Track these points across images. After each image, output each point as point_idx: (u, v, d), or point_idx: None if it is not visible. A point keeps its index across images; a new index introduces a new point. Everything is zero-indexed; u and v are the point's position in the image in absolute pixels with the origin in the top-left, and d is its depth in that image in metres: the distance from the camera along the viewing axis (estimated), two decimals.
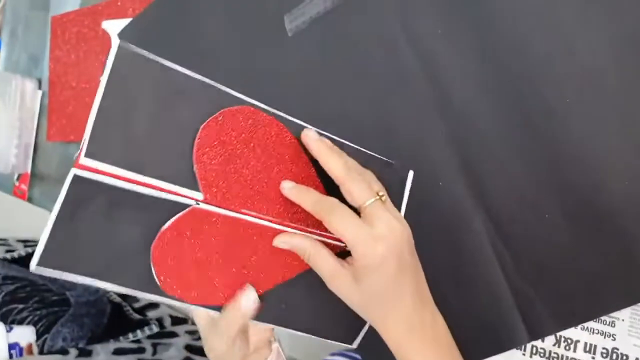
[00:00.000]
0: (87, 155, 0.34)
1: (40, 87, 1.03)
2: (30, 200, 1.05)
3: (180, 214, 0.39)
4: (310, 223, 0.45)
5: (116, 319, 1.30)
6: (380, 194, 0.42)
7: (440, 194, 0.54)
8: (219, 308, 0.43)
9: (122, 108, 0.36)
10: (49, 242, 0.35)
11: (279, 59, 0.65)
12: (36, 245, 0.35)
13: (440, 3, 0.54)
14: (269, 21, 0.65)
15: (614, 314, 0.50)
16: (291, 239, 0.43)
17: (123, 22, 0.83)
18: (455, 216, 0.54)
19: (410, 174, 0.51)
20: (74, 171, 0.35)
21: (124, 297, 1.40)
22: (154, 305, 1.41)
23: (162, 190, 0.38)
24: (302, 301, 0.47)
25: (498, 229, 0.52)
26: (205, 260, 0.41)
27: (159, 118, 0.37)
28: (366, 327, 0.49)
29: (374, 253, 0.39)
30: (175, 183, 0.38)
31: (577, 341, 0.51)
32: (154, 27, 0.77)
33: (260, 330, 0.48)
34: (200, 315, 0.45)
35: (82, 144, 0.35)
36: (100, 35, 0.89)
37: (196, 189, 0.39)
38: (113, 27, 0.86)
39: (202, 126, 0.39)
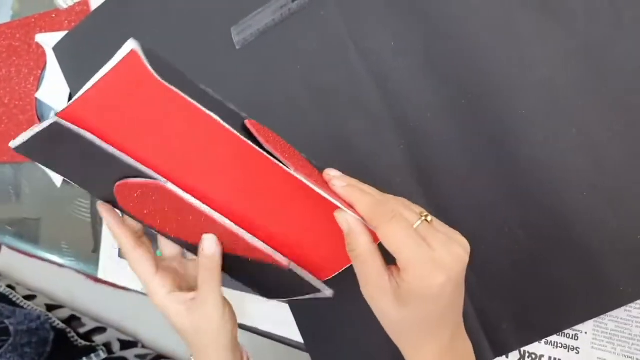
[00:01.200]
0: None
1: None
2: None
3: (146, 180, 0.38)
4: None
5: (60, 346, 1.24)
6: (424, 214, 0.37)
7: None
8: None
9: None
10: (36, 136, 0.35)
11: (225, 71, 0.62)
12: None
13: (391, 16, 0.53)
14: (215, 33, 0.62)
15: (577, 327, 0.49)
16: (355, 225, 0.37)
17: (58, 35, 0.79)
18: None
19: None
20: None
21: (68, 322, 1.33)
22: (100, 330, 1.35)
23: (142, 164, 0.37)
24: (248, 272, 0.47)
25: None
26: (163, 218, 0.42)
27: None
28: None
29: (432, 281, 0.34)
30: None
31: (542, 356, 0.50)
32: (91, 40, 0.73)
33: None
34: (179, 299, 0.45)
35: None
36: (33, 49, 0.84)
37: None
38: (48, 40, 0.81)
39: None
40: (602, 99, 0.46)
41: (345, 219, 0.37)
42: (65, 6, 0.81)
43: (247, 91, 0.61)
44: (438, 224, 0.38)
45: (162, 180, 0.38)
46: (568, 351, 0.50)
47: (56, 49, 0.79)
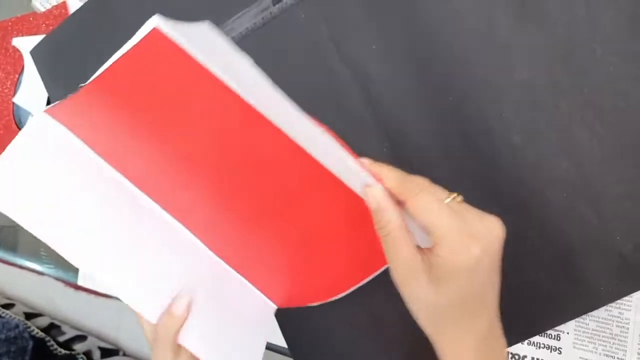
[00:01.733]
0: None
1: None
2: None
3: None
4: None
5: (40, 355, 1.21)
6: (453, 194, 0.35)
7: None
8: None
9: None
10: None
11: None
12: None
13: (373, 19, 0.53)
14: None
15: (559, 328, 0.49)
16: (384, 199, 0.34)
17: (36, 39, 0.78)
18: None
19: None
20: None
21: (47, 331, 1.31)
22: (81, 338, 1.33)
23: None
24: None
25: None
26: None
27: None
28: None
29: (468, 253, 0.32)
30: None
31: (524, 356, 0.51)
32: (69, 44, 0.72)
33: None
34: (147, 328, 0.44)
35: None
36: (10, 53, 0.83)
37: None
38: (25, 44, 0.80)
39: None
40: (581, 100, 0.47)
41: (373, 194, 0.35)
42: (42, 9, 0.80)
43: None
44: (467, 204, 0.36)
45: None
46: (550, 351, 0.50)
47: (33, 52, 0.78)
